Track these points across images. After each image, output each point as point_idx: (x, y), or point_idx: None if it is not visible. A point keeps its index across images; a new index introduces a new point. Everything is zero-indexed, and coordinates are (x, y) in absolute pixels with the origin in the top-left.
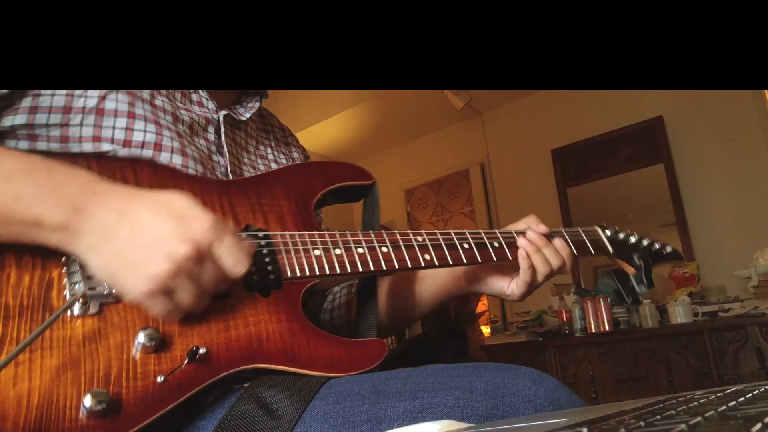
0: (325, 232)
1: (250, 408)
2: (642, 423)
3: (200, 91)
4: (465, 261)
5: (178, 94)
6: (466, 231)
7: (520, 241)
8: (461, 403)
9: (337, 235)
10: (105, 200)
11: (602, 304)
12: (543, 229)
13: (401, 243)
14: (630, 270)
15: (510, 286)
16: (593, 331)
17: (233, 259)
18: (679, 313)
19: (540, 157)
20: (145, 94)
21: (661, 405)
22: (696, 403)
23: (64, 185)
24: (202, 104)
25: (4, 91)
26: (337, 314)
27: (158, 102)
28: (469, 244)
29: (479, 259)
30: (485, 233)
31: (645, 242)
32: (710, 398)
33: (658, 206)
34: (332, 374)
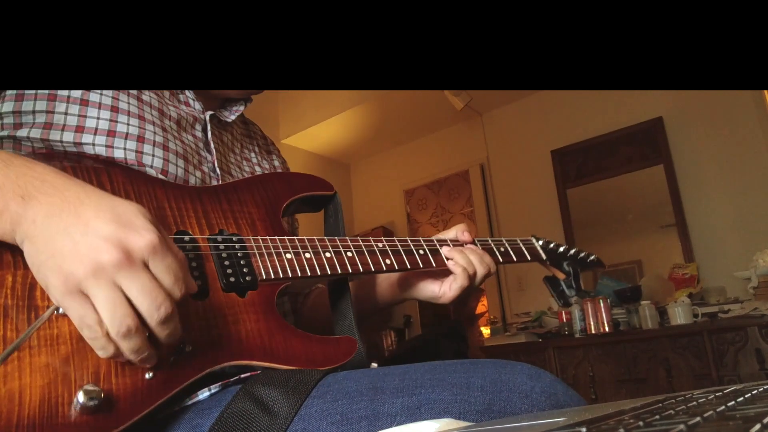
0: (295, 237)
1: (246, 405)
2: (641, 423)
3: (187, 92)
4: (421, 265)
5: (166, 92)
6: (420, 239)
7: (449, 251)
8: (458, 399)
9: (306, 240)
10: (55, 191)
11: (602, 305)
12: (467, 237)
13: (364, 248)
14: (560, 275)
15: (442, 289)
16: (593, 332)
17: (171, 279)
18: (679, 314)
19: (540, 158)
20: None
21: (660, 405)
22: (695, 403)
23: (20, 175)
24: (188, 104)
25: None
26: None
27: (145, 97)
28: (424, 250)
29: (433, 264)
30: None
31: (572, 251)
32: (709, 398)
33: (658, 207)
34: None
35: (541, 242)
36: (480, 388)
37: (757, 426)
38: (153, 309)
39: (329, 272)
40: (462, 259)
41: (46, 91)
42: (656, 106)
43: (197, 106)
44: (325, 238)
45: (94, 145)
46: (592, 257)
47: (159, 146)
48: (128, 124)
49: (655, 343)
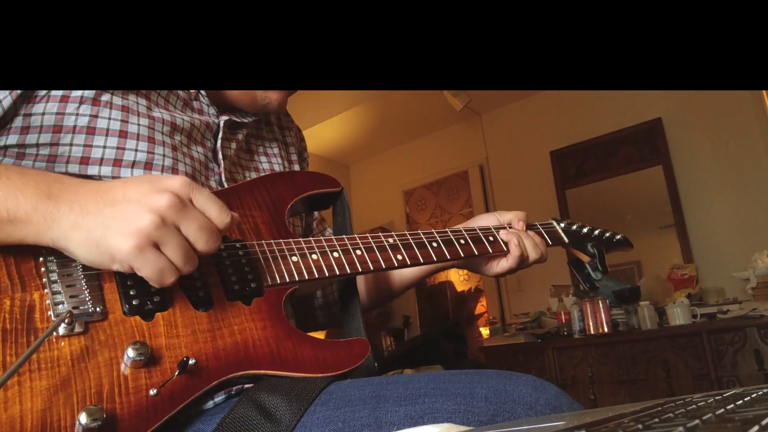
0: (301, 239)
1: (248, 412)
2: (640, 426)
3: (201, 98)
4: (435, 258)
5: (179, 103)
6: (433, 231)
7: (506, 233)
8: (462, 409)
9: (312, 242)
10: (78, 187)
11: (601, 305)
12: (521, 226)
13: (373, 245)
14: (585, 258)
15: (488, 264)
16: (592, 332)
17: (217, 208)
18: (678, 315)
19: (539, 158)
20: (142, 107)
21: (660, 408)
22: (694, 406)
23: (37, 180)
24: (202, 111)
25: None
26: (321, 313)
27: (156, 113)
28: (438, 242)
29: (448, 256)
30: (452, 232)
31: (596, 232)
32: (708, 401)
33: (657, 208)
34: (320, 375)
35: (563, 225)
36: (484, 399)
37: (755, 428)
38: (212, 243)
39: (338, 273)
40: (520, 242)
41: (51, 123)
42: (655, 107)
43: (212, 111)
44: (333, 237)
45: (100, 176)
46: (618, 236)
47: (168, 171)
48: (136, 150)
49: (654, 344)
